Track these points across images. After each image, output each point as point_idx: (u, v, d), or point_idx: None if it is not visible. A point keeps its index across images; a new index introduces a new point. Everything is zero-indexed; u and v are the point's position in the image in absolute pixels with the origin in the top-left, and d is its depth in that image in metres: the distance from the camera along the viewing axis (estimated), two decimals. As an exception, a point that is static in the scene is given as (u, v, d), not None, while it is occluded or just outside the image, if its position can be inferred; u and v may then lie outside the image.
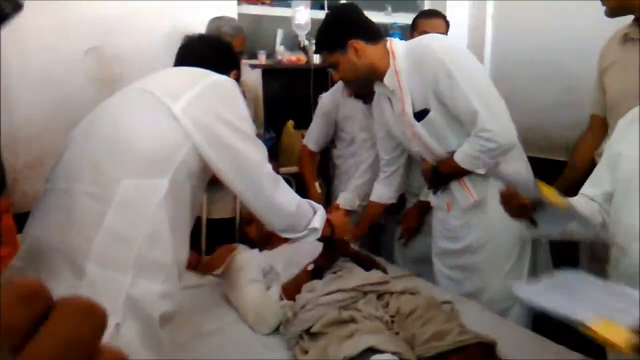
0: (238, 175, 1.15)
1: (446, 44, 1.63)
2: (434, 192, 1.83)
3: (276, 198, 1.21)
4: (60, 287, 0.99)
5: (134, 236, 1.02)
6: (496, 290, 1.72)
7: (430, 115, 1.62)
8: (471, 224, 1.74)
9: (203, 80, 1.14)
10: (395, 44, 1.66)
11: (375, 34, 1.65)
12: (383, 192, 1.96)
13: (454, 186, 1.74)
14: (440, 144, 1.67)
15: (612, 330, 0.84)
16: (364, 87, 1.78)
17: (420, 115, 1.64)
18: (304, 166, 2.47)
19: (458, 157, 1.64)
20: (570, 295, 1.01)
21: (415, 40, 1.72)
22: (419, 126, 1.65)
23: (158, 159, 1.06)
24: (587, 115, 1.89)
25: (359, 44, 1.60)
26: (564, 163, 1.98)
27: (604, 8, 1.55)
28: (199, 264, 1.66)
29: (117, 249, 1.02)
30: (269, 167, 1.20)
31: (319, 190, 2.47)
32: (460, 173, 1.69)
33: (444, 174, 1.73)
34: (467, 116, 1.57)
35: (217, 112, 1.11)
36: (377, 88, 1.75)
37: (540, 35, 2.77)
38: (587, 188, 1.27)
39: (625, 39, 1.60)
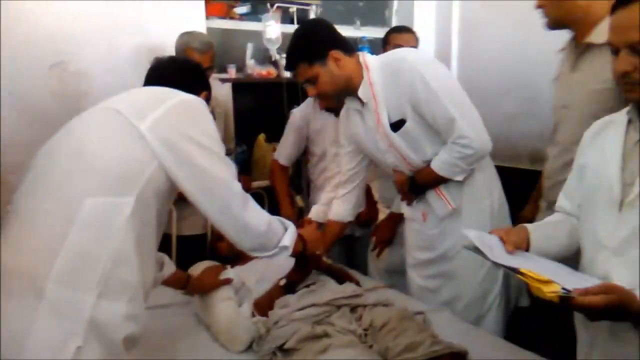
0: (205, 194, 1.14)
1: (420, 56, 1.68)
2: (409, 203, 1.84)
3: (245, 217, 1.20)
4: (19, 309, 0.96)
5: (98, 255, 1.00)
6: (472, 297, 1.74)
7: (407, 125, 1.63)
8: (446, 232, 1.75)
9: (170, 99, 1.14)
10: (368, 57, 1.68)
11: (350, 46, 1.68)
12: (342, 210, 1.92)
13: (430, 195, 1.75)
14: (416, 154, 1.69)
15: (539, 279, 0.94)
16: (339, 100, 1.79)
17: (396, 126, 1.65)
18: (276, 180, 2.49)
19: (435, 165, 1.66)
20: (524, 258, 1.10)
21: (388, 53, 1.74)
22: (395, 137, 1.66)
23: (124, 176, 1.05)
24: (551, 124, 1.94)
25: (339, 54, 1.61)
26: (529, 172, 2.04)
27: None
28: (187, 284, 1.62)
29: (81, 269, 0.99)
30: (237, 186, 1.19)
31: (299, 203, 2.47)
32: (436, 182, 1.70)
33: (421, 183, 1.74)
34: (444, 124, 1.60)
35: (184, 131, 1.10)
36: (348, 102, 1.77)
37: (505, 46, 2.86)
38: (562, 201, 1.29)
39: (562, 51, 1.68)
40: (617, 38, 1.00)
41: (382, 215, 2.20)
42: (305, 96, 2.40)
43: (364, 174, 1.94)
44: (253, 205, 1.24)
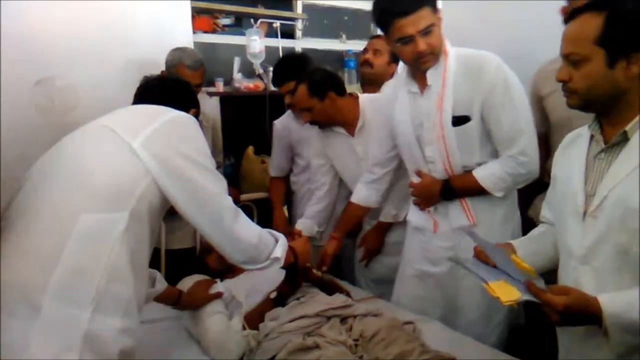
0: (197, 208, 1.16)
1: (500, 61, 1.59)
2: (424, 208, 1.76)
3: (236, 231, 1.22)
4: (16, 324, 0.97)
5: (93, 271, 1.01)
6: (477, 315, 1.71)
7: (470, 123, 1.57)
8: (459, 248, 1.67)
9: (162, 116, 1.16)
10: (448, 44, 1.62)
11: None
12: (368, 195, 1.91)
13: (451, 205, 1.69)
14: (463, 155, 1.62)
15: (504, 290, 1.03)
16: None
17: (457, 121, 1.58)
18: (270, 191, 2.54)
19: (480, 175, 1.61)
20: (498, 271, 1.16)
21: (461, 49, 1.64)
22: (451, 129, 1.59)
23: (118, 192, 1.06)
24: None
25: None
26: None
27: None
28: (179, 300, 1.62)
29: (76, 284, 1.00)
30: (228, 200, 1.21)
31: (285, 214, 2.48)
32: (472, 192, 1.64)
33: (456, 189, 1.65)
34: (508, 134, 1.56)
35: (176, 147, 1.12)
36: (404, 84, 1.70)
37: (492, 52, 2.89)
38: (544, 211, 1.34)
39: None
40: (561, 49, 1.08)
41: (366, 225, 2.20)
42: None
43: (395, 163, 1.89)
44: (244, 218, 1.26)
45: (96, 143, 1.13)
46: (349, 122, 2.07)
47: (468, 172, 1.64)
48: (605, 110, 1.08)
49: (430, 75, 1.61)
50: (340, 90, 2.03)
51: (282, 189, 2.52)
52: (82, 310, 0.99)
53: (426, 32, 1.50)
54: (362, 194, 1.93)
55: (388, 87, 1.88)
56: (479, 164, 1.63)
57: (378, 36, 2.52)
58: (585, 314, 0.98)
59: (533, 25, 1.61)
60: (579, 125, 1.23)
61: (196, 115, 1.42)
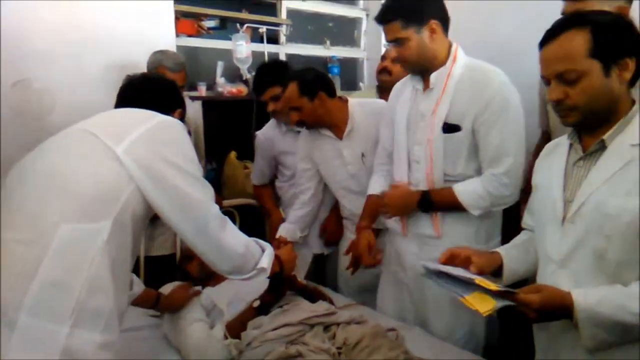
0: (183, 216, 1.12)
1: (506, 80, 1.60)
2: (390, 217, 1.77)
3: (223, 240, 1.19)
4: None
5: (73, 284, 0.97)
6: (445, 321, 1.70)
7: (460, 133, 1.57)
8: (423, 257, 1.66)
9: (147, 121, 1.13)
10: (460, 51, 1.64)
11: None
12: (386, 184, 1.86)
13: (422, 214, 1.69)
14: (447, 164, 1.62)
15: (480, 301, 1.05)
16: (417, 71, 1.71)
17: (449, 128, 1.59)
18: (260, 197, 2.52)
19: (459, 190, 1.60)
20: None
21: (473, 60, 1.66)
22: (439, 135, 1.59)
23: (100, 201, 1.02)
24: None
25: (438, 27, 1.59)
26: None
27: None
28: (157, 303, 1.59)
29: (54, 299, 0.96)
30: (215, 208, 1.18)
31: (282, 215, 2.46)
32: (450, 207, 1.63)
33: (435, 202, 1.65)
34: (494, 152, 1.56)
35: (161, 154, 1.09)
36: (411, 79, 1.72)
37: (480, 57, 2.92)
38: (527, 218, 1.37)
39: None
40: (546, 70, 1.10)
41: (349, 232, 2.19)
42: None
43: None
44: (231, 227, 1.23)
45: (78, 149, 1.09)
46: (338, 125, 2.05)
47: (448, 187, 1.63)
48: (598, 123, 1.09)
49: (434, 77, 1.63)
50: (331, 92, 2.01)
51: (270, 193, 2.50)
52: (61, 325, 0.95)
53: (397, 43, 1.59)
54: (380, 184, 1.89)
55: (400, 81, 1.87)
56: (462, 177, 1.62)
57: None
58: (559, 308, 1.02)
59: (534, 26, 1.63)
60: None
61: (182, 116, 1.39)
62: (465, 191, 1.60)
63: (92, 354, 0.99)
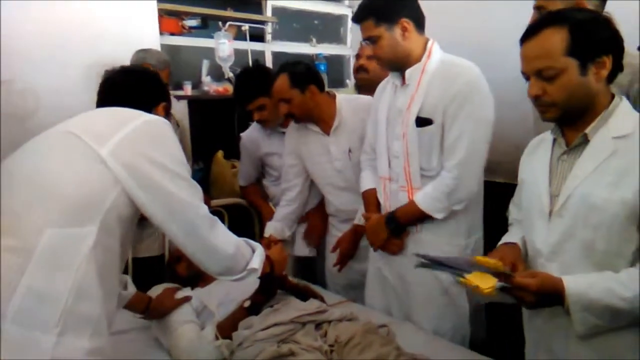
0: (172, 218, 1.10)
1: (484, 83, 1.62)
2: (376, 249, 1.79)
3: (212, 240, 1.17)
4: None
5: (59, 291, 0.95)
6: (430, 316, 1.71)
7: (432, 127, 1.60)
8: (406, 253, 1.73)
9: (132, 121, 1.09)
10: (436, 47, 1.66)
11: (423, 24, 1.70)
12: (374, 178, 1.87)
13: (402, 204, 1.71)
14: (422, 157, 1.64)
15: (481, 279, 1.06)
16: (393, 68, 1.73)
17: (421, 122, 1.61)
18: (249, 196, 2.51)
19: (418, 198, 1.64)
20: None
21: (454, 57, 1.68)
22: (413, 129, 1.62)
23: (85, 205, 1.00)
24: (508, 137, 2.02)
25: (410, 25, 1.61)
26: (502, 184, 2.07)
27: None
28: (148, 307, 1.57)
29: (39, 307, 0.93)
30: (204, 208, 1.16)
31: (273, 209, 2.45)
32: (416, 218, 1.66)
33: (402, 221, 1.69)
34: (449, 143, 1.59)
35: (147, 154, 1.06)
36: (391, 75, 1.75)
37: (470, 55, 2.92)
38: (513, 213, 1.39)
39: None
40: (526, 67, 1.12)
41: (334, 230, 2.19)
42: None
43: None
44: (220, 227, 1.21)
45: (61, 151, 1.05)
46: (325, 120, 2.05)
47: (411, 200, 1.66)
48: (577, 118, 1.12)
49: (409, 73, 1.66)
50: (320, 86, 2.01)
51: (258, 189, 2.50)
52: (47, 334, 0.93)
53: (371, 40, 1.63)
54: (371, 179, 1.89)
55: (386, 79, 1.87)
56: (437, 170, 1.64)
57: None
58: (553, 294, 1.04)
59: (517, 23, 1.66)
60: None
61: (167, 110, 1.35)
62: (422, 198, 1.64)
63: None
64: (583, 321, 1.04)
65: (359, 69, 2.42)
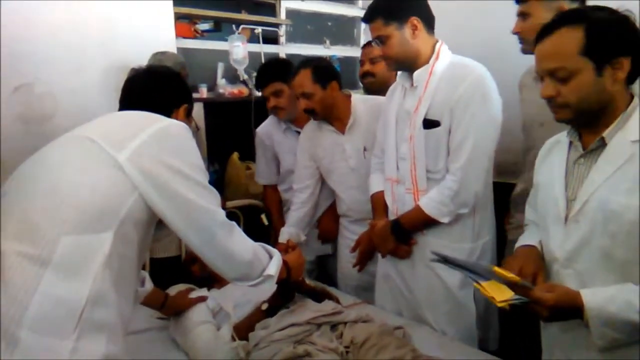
0: (189, 225, 1.09)
1: (493, 84, 1.60)
2: (384, 255, 1.78)
3: (230, 247, 1.16)
4: None
5: (75, 298, 0.94)
6: (439, 318, 1.71)
7: (440, 129, 1.59)
8: (414, 256, 1.73)
9: (150, 126, 1.07)
10: (444, 49, 1.66)
11: (433, 23, 1.69)
12: (382, 180, 1.87)
13: (409, 206, 1.70)
14: (428, 159, 1.63)
15: (497, 290, 1.04)
16: (399, 68, 1.74)
17: (429, 124, 1.60)
18: (265, 201, 2.50)
19: (423, 203, 1.63)
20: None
21: (464, 58, 1.67)
22: (421, 131, 1.61)
23: (101, 211, 0.99)
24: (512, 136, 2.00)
25: (420, 24, 1.61)
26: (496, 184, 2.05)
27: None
28: (165, 303, 1.59)
29: (57, 314, 0.93)
30: (222, 215, 1.14)
31: (264, 221, 2.45)
32: (421, 224, 1.66)
33: (407, 227, 1.68)
34: (454, 144, 1.58)
35: (165, 161, 1.05)
36: (400, 78, 1.76)
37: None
38: (529, 214, 1.36)
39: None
40: (540, 67, 1.10)
41: (345, 231, 2.19)
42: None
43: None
44: (238, 233, 1.20)
45: (78, 157, 1.04)
46: (341, 118, 2.05)
47: (416, 206, 1.65)
48: (591, 120, 1.09)
49: (417, 75, 1.65)
50: (340, 83, 2.02)
51: (276, 197, 2.46)
52: (64, 340, 0.92)
53: (381, 40, 1.62)
54: (380, 181, 1.88)
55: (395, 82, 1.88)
56: (444, 172, 1.62)
57: (368, 44, 2.54)
58: (570, 309, 1.02)
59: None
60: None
61: (189, 112, 1.35)
62: (428, 203, 1.62)
63: None
64: (602, 335, 1.01)
65: (364, 75, 2.44)
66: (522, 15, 1.65)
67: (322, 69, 1.97)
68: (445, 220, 1.62)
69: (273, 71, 2.19)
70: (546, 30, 1.08)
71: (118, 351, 1.02)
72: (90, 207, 0.98)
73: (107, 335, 0.99)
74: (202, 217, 1.10)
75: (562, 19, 1.07)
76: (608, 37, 1.02)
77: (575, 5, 1.53)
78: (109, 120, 1.16)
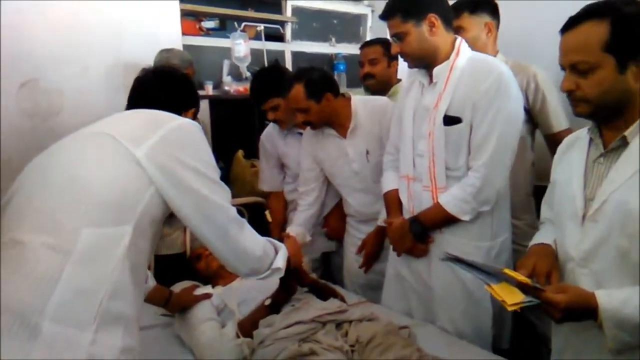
0: (204, 220, 1.12)
1: (513, 80, 1.59)
2: (400, 254, 1.76)
3: (242, 243, 1.19)
4: (15, 347, 0.90)
5: (96, 289, 0.96)
6: (451, 318, 1.69)
7: (461, 125, 1.57)
8: (430, 255, 1.71)
9: (166, 124, 1.10)
10: (464, 45, 1.64)
11: (452, 20, 1.68)
12: (396, 178, 1.84)
13: (425, 204, 1.68)
14: (448, 156, 1.60)
15: (508, 293, 1.03)
16: (418, 64, 1.70)
17: (449, 120, 1.58)
18: (268, 208, 2.49)
19: (444, 200, 1.61)
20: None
21: (477, 54, 1.67)
22: (441, 128, 1.59)
23: (121, 204, 1.01)
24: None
25: (438, 21, 1.59)
26: None
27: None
28: (169, 299, 1.60)
29: (77, 304, 0.94)
30: (234, 211, 1.18)
31: (269, 218, 2.44)
32: (441, 221, 1.64)
33: (427, 225, 1.66)
34: (477, 141, 1.56)
35: (180, 158, 1.07)
36: (417, 74, 1.73)
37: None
38: (545, 211, 1.35)
39: None
40: (562, 59, 1.08)
41: (352, 230, 2.18)
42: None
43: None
44: (248, 229, 1.23)
45: (96, 151, 1.06)
46: (342, 123, 2.05)
47: (435, 203, 1.62)
48: (611, 116, 1.07)
49: (437, 72, 1.63)
50: (335, 91, 2.01)
51: (280, 205, 2.44)
52: (84, 331, 0.94)
53: (398, 37, 1.61)
54: (393, 179, 1.86)
55: (407, 80, 1.87)
56: (464, 169, 1.60)
57: (367, 44, 2.56)
58: (584, 310, 1.00)
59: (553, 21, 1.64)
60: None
61: (195, 114, 1.37)
62: (449, 200, 1.60)
63: (114, 358, 0.97)
64: (616, 338, 0.99)
65: (365, 77, 2.44)
66: (457, 30, 1.67)
67: (314, 83, 1.94)
68: (466, 218, 1.60)
69: (268, 87, 2.14)
70: (571, 23, 1.05)
71: (134, 344, 1.03)
72: (110, 200, 1.00)
73: (124, 328, 1.00)
74: (216, 213, 1.13)
75: (589, 12, 1.04)
76: (634, 33, 0.99)
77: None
78: (126, 117, 1.19)
